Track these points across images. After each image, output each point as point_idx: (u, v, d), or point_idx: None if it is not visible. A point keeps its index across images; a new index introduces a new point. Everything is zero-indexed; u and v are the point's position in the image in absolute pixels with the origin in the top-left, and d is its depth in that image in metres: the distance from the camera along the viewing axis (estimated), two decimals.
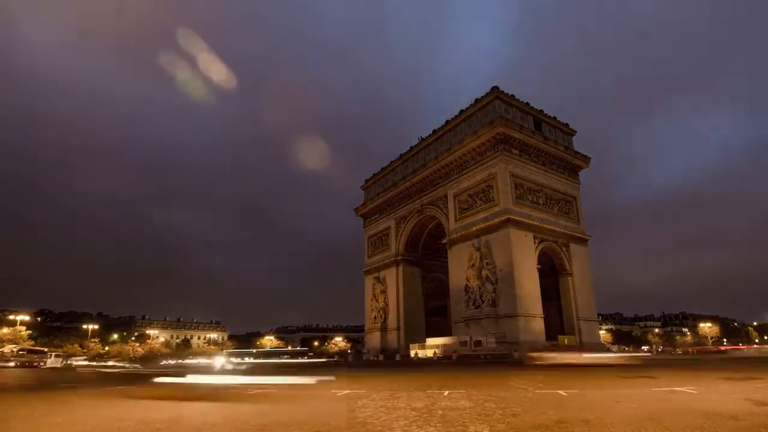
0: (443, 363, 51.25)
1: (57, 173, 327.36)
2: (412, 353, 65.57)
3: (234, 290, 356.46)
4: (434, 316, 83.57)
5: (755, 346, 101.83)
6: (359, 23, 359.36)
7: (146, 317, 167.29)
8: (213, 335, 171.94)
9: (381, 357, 73.77)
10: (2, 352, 62.83)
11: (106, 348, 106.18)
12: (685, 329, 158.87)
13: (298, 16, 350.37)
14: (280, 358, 69.65)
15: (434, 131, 77.62)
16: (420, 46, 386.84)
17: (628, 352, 75.25)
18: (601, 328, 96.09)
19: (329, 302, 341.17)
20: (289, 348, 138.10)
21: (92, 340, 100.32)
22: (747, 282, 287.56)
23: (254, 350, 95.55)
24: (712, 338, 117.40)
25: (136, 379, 25.23)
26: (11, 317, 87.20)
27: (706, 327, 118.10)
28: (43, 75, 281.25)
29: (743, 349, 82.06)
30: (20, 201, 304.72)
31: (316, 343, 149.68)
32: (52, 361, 61.53)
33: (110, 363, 50.28)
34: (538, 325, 58.14)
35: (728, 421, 8.41)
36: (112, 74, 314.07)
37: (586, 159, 72.91)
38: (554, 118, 72.34)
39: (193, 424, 9.60)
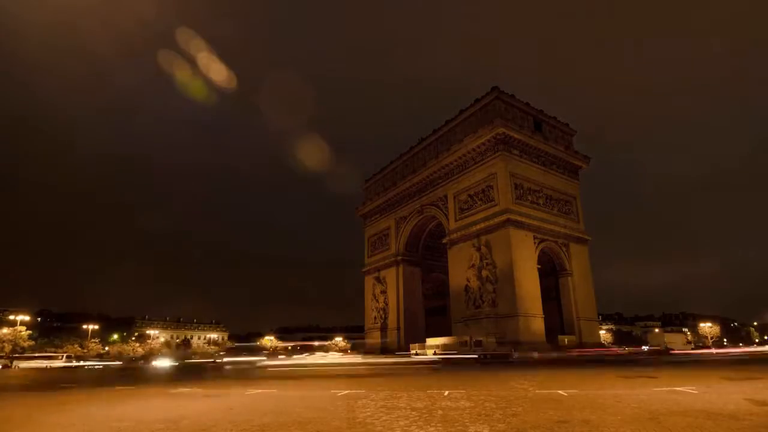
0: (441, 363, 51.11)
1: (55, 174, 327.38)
2: (412, 353, 65.48)
3: (234, 290, 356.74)
4: (434, 316, 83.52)
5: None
6: None
7: (146, 317, 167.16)
8: (213, 335, 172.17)
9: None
10: None
11: (106, 348, 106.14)
12: (685, 329, 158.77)
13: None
14: None
15: (434, 131, 77.58)
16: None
17: (629, 352, 75.07)
18: (601, 328, 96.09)
19: (329, 302, 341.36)
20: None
21: (92, 340, 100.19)
22: (747, 282, 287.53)
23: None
24: (712, 338, 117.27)
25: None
26: (11, 317, 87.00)
27: (706, 327, 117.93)
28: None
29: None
30: (20, 201, 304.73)
31: (316, 343, 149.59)
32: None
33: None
34: (538, 324, 58.18)
35: (728, 421, 8.41)
36: None
37: (586, 159, 72.94)
38: (554, 118, 72.31)
39: (193, 423, 9.60)
